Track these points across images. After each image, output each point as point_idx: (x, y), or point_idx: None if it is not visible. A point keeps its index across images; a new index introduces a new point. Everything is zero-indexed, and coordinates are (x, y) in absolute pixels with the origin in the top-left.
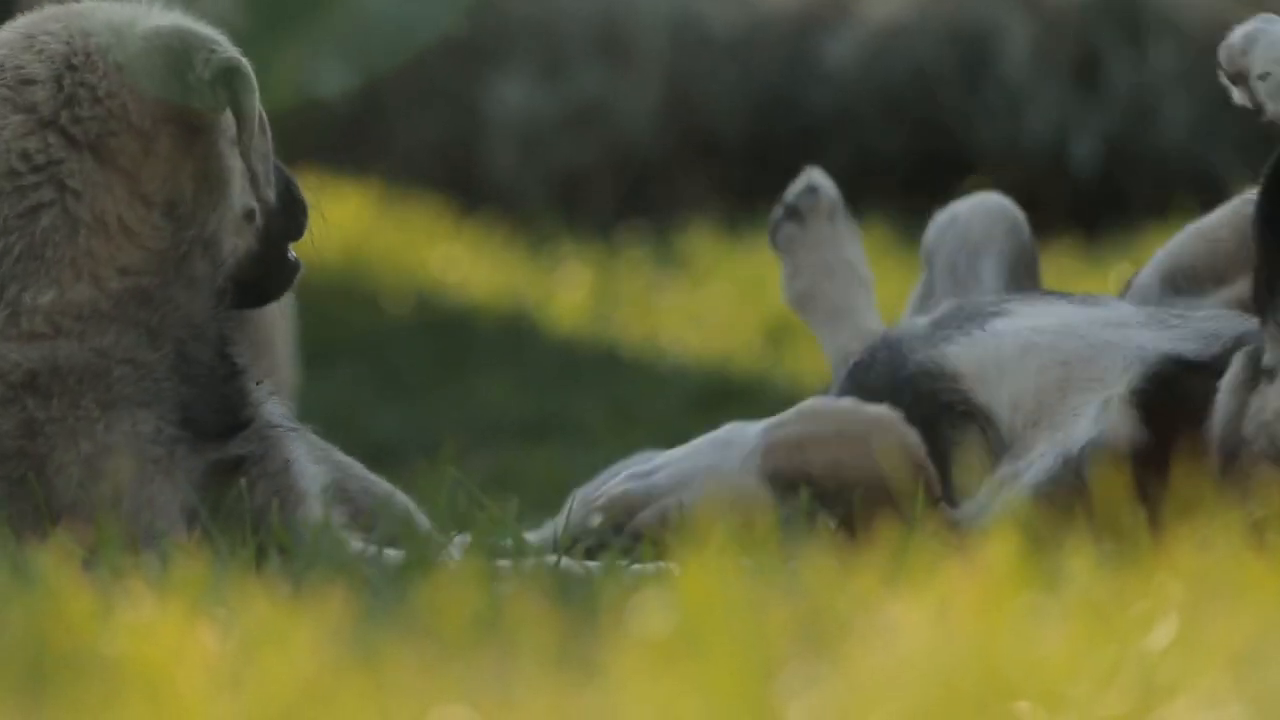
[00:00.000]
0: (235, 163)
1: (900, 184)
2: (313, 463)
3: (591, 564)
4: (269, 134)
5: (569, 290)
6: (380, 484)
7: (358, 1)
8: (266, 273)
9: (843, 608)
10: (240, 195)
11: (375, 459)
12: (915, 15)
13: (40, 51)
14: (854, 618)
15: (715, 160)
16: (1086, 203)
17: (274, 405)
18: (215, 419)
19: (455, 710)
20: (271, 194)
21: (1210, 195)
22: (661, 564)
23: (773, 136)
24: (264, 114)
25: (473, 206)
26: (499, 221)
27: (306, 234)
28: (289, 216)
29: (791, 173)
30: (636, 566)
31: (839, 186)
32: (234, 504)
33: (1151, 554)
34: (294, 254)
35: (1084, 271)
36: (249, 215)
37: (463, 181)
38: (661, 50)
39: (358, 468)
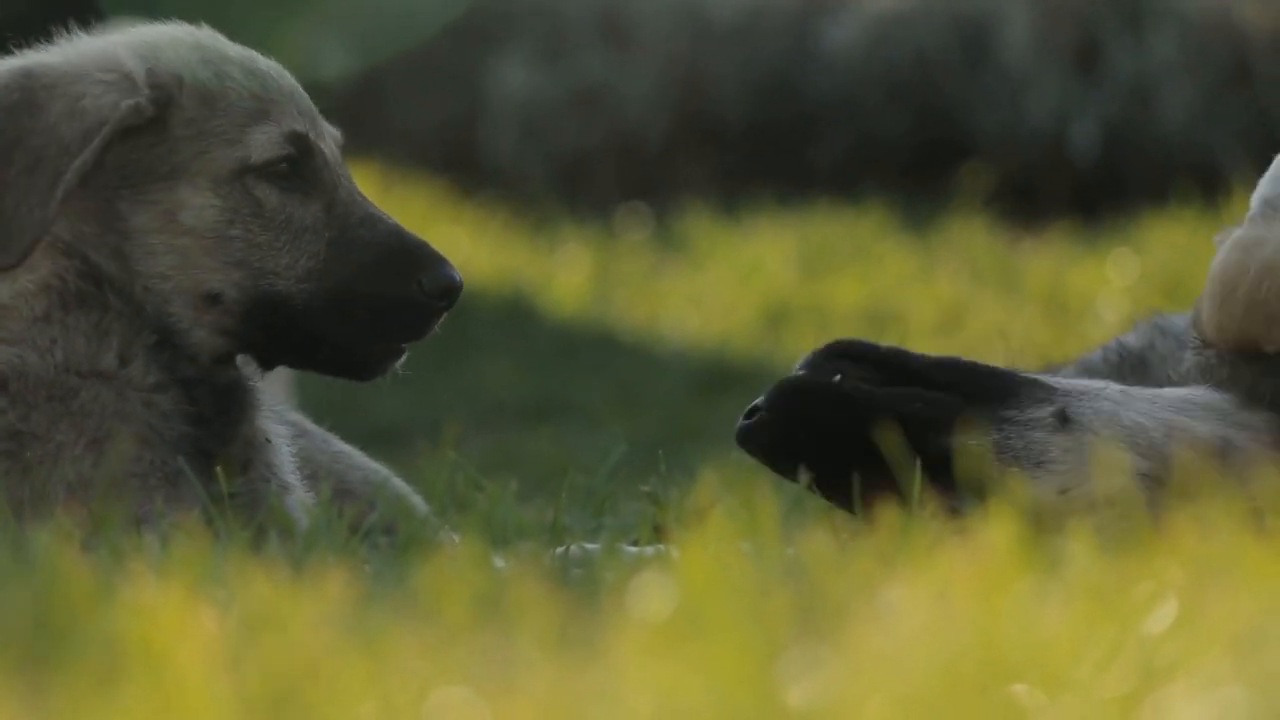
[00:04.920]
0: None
1: (901, 169)
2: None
3: (591, 546)
4: None
5: (569, 273)
6: (379, 470)
7: None
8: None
9: (843, 591)
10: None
11: (376, 442)
12: (917, 2)
13: None
14: (854, 601)
15: (716, 145)
16: (1086, 188)
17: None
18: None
19: (456, 692)
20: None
21: (1210, 182)
22: (661, 547)
23: (774, 121)
24: None
25: (473, 189)
26: (499, 204)
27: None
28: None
29: (792, 158)
30: (636, 549)
31: (839, 171)
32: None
33: (1151, 537)
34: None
35: (1082, 257)
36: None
37: (463, 164)
38: (664, 35)
39: (356, 455)
